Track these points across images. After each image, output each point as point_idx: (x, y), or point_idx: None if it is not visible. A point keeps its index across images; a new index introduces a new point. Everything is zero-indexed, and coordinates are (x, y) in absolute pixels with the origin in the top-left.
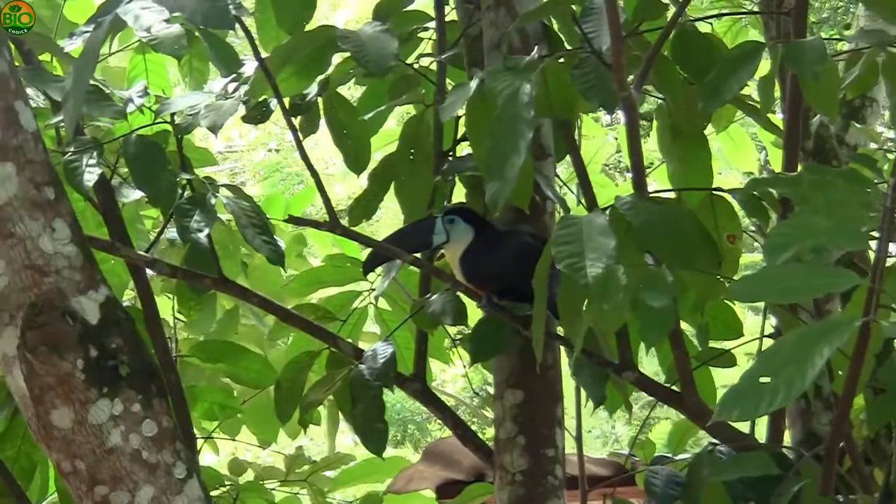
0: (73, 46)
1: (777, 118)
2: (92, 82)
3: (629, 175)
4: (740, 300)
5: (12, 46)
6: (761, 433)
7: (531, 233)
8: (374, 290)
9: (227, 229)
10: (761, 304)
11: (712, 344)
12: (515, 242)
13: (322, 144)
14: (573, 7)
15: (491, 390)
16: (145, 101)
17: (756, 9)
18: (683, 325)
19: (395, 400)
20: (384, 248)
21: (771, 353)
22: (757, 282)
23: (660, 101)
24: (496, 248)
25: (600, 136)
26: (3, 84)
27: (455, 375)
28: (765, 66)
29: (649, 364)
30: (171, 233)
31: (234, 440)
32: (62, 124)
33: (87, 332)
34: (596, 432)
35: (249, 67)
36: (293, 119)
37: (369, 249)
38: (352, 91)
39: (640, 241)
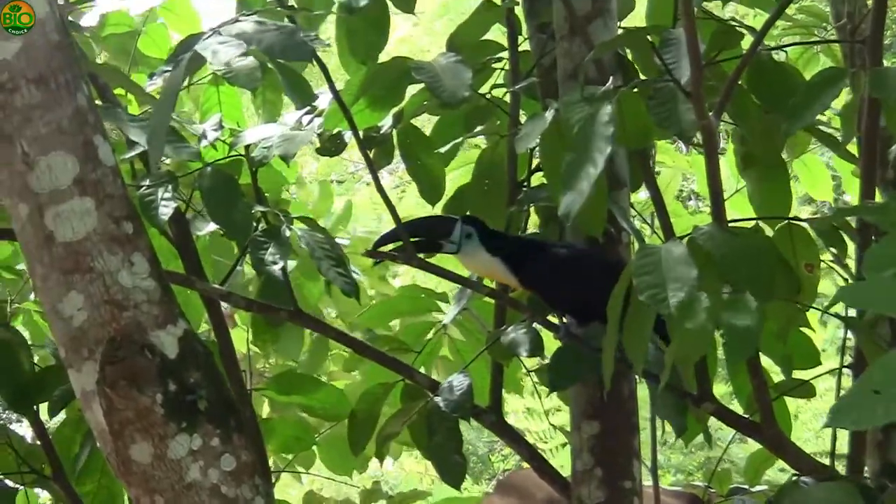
0: (154, 86)
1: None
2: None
3: (691, 202)
4: (846, 304)
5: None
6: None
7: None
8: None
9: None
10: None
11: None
12: (572, 252)
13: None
14: (650, 38)
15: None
16: (220, 133)
17: (826, 36)
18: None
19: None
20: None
21: (884, 365)
22: (865, 289)
23: (735, 126)
24: (552, 257)
25: (677, 164)
26: (82, 118)
27: (515, 408)
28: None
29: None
30: None
31: (308, 473)
32: (136, 158)
33: (165, 367)
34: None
35: (323, 100)
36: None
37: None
38: (425, 122)
39: (720, 273)
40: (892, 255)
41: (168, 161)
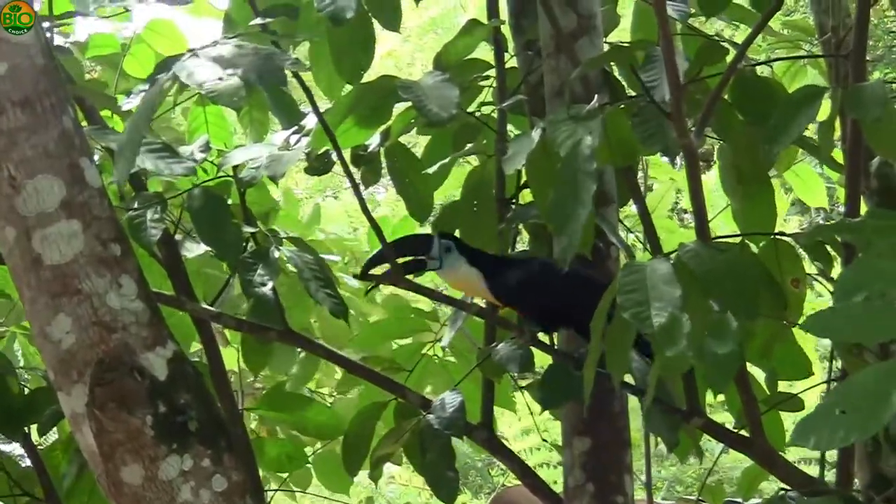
0: (131, 105)
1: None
2: (161, 140)
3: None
4: (814, 335)
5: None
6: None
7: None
8: (440, 339)
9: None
10: (828, 350)
11: (779, 387)
12: (539, 264)
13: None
14: (635, 54)
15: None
16: (207, 154)
17: (813, 49)
18: (752, 369)
19: (455, 446)
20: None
21: (848, 386)
22: (831, 318)
23: (721, 142)
24: (521, 268)
25: (670, 179)
26: (68, 141)
27: (508, 422)
28: (825, 107)
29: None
30: None
31: (304, 492)
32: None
33: (155, 388)
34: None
35: (312, 119)
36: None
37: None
38: (414, 139)
39: (704, 290)
40: (862, 278)
41: (158, 177)
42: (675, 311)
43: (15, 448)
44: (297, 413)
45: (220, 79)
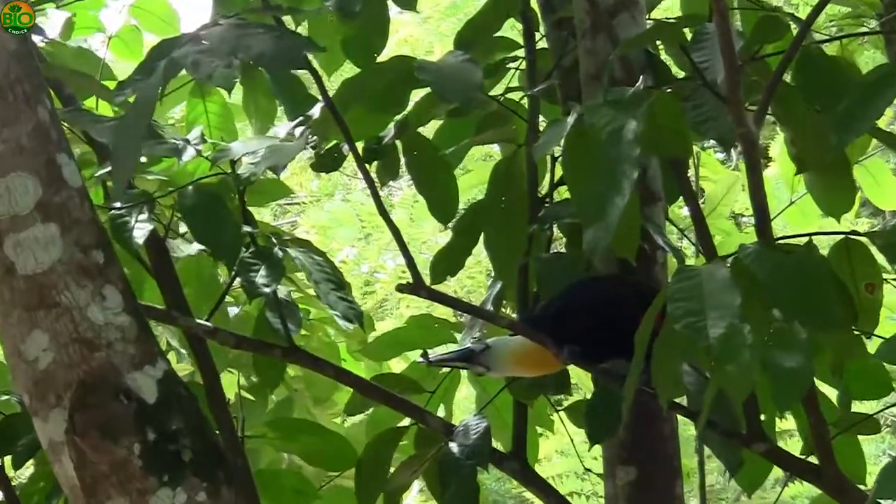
0: (122, 98)
1: None
2: None
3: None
4: (888, 362)
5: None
6: None
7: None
8: None
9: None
10: None
11: (855, 408)
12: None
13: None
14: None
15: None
16: (203, 147)
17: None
18: (824, 388)
19: (489, 478)
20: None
21: None
22: None
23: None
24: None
25: (725, 178)
26: (44, 134)
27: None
28: None
29: None
30: None
31: None
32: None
33: (143, 413)
34: None
35: (319, 107)
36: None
37: None
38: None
39: (767, 298)
40: None
41: (146, 177)
42: (736, 321)
43: None
44: (305, 441)
45: (229, 66)
